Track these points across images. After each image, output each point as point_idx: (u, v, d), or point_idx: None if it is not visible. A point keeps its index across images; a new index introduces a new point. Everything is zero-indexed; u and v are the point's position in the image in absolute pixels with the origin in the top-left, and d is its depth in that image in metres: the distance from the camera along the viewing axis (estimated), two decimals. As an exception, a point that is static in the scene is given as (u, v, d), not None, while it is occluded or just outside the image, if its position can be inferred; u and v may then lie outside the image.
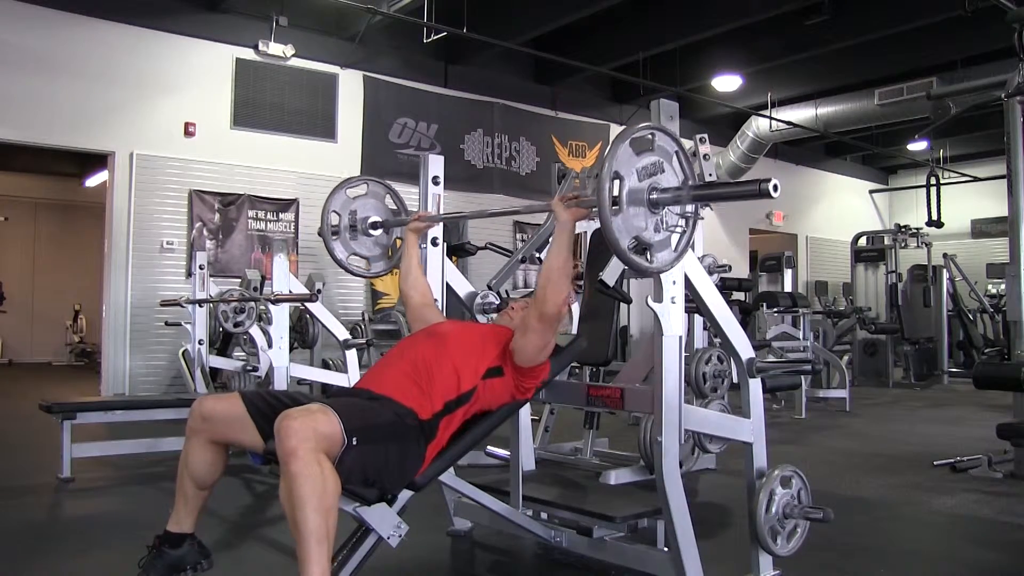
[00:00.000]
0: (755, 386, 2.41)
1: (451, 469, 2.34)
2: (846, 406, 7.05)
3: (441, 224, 2.86)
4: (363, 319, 7.94)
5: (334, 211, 2.81)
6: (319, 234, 2.84)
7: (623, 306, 3.81)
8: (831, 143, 13.65)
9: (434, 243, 2.81)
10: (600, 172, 1.77)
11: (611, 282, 3.00)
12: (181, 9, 7.79)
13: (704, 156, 3.35)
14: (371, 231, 2.86)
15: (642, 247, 1.89)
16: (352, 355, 4.93)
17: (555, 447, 4.48)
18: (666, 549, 2.30)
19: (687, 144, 2.95)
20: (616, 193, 1.79)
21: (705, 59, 9.58)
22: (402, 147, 9.13)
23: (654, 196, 1.87)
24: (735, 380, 2.91)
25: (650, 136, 1.89)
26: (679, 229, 1.93)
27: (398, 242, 2.94)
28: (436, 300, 2.78)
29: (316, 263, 8.34)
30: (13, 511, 3.46)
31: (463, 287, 3.10)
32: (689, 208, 1.94)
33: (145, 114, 7.62)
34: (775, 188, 1.73)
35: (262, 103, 8.23)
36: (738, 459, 2.68)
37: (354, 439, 1.84)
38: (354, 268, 2.94)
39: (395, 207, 2.98)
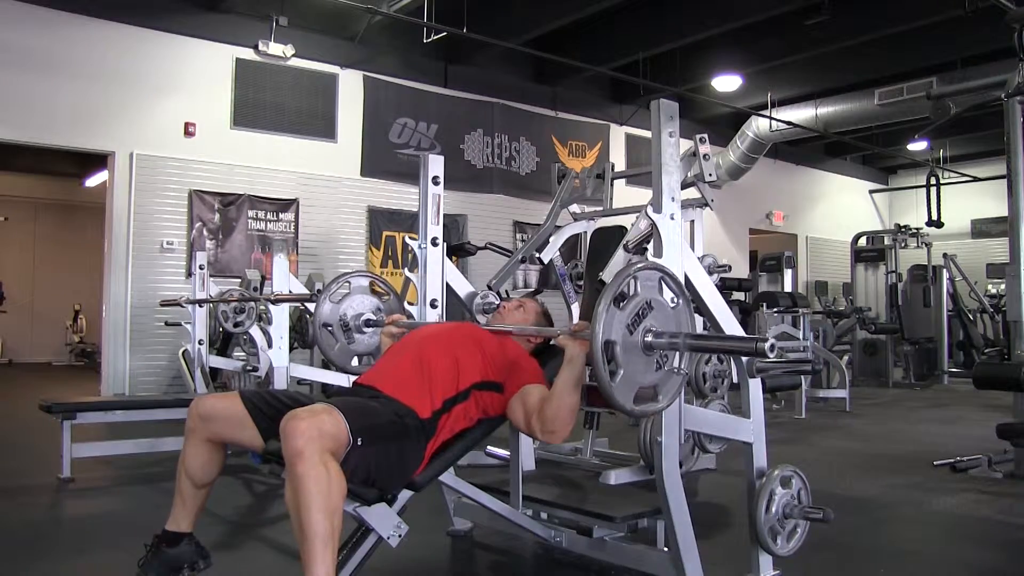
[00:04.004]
0: (755, 386, 2.41)
1: (451, 469, 2.34)
2: (846, 406, 7.05)
3: (441, 223, 2.86)
4: (363, 319, 7.94)
5: (325, 324, 2.76)
6: (320, 350, 2.76)
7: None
8: (831, 143, 13.64)
9: (434, 243, 2.80)
10: (590, 340, 1.67)
11: (611, 282, 3.00)
12: (181, 9, 7.79)
13: (704, 156, 3.36)
14: (365, 328, 2.82)
15: (647, 392, 1.81)
16: (352, 355, 4.93)
17: (555, 447, 4.47)
18: (666, 549, 2.30)
19: (687, 145, 2.94)
20: (611, 363, 1.70)
21: (705, 59, 9.58)
22: (402, 147, 9.13)
23: (649, 339, 1.77)
24: (735, 380, 2.90)
25: (629, 284, 1.77)
26: (676, 365, 1.86)
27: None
28: (436, 300, 2.78)
29: (316, 263, 8.35)
30: (13, 511, 3.45)
31: (463, 287, 3.10)
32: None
33: (145, 114, 7.63)
34: (771, 348, 1.73)
35: (262, 103, 8.23)
36: (738, 459, 2.68)
37: (359, 439, 1.84)
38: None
39: (382, 291, 2.93)
